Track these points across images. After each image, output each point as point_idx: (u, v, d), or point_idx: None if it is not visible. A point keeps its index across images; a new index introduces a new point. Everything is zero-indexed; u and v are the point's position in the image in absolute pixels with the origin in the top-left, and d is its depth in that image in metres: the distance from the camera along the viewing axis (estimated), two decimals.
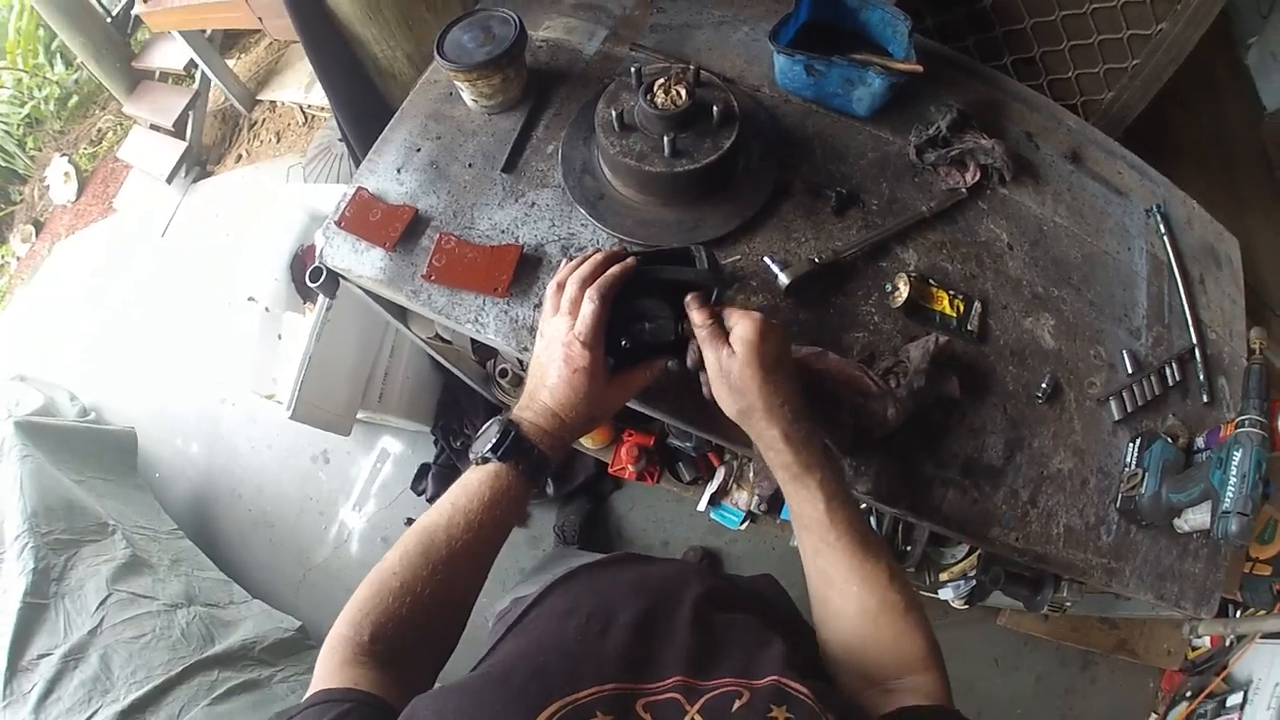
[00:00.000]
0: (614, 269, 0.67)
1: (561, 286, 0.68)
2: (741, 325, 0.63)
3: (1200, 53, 1.18)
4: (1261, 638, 1.65)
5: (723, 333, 0.64)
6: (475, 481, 0.61)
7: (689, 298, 0.66)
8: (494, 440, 0.62)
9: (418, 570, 0.57)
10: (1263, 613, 1.63)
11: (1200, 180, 1.32)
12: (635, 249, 0.79)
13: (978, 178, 0.99)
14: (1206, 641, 1.78)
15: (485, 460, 0.62)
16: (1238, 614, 1.69)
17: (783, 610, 0.82)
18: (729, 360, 0.63)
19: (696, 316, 0.65)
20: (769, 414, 0.63)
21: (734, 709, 0.46)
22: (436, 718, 0.45)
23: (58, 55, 3.42)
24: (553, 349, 0.66)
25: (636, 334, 0.68)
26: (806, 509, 0.63)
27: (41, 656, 1.53)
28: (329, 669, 0.53)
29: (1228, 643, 1.73)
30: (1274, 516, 1.64)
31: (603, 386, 0.66)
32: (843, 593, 0.62)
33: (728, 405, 0.65)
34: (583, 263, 0.69)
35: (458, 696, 0.47)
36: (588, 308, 0.64)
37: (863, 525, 0.63)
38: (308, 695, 0.51)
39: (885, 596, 0.60)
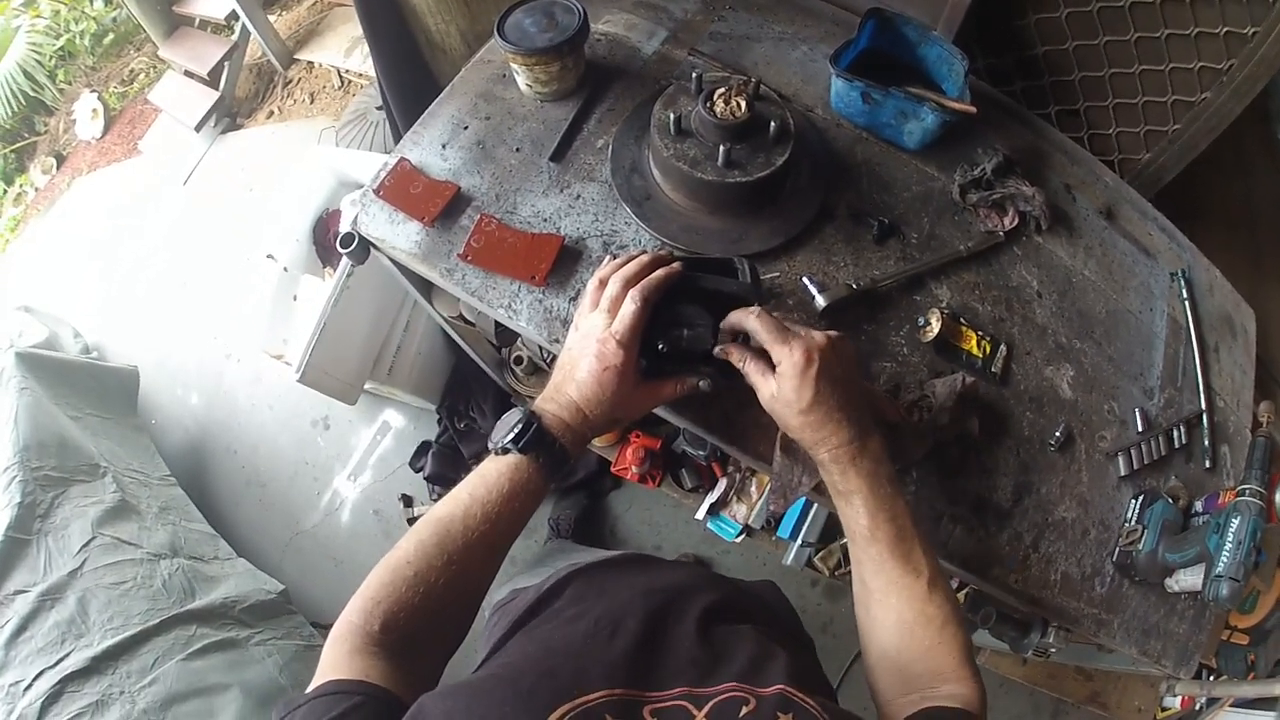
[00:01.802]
0: (659, 273, 0.67)
1: (604, 283, 0.68)
2: (782, 368, 0.64)
3: (1237, 124, 1.20)
4: (1231, 705, 1.67)
5: (766, 366, 0.66)
6: (494, 473, 0.61)
7: (720, 348, 0.67)
8: (515, 431, 0.61)
9: (432, 560, 0.57)
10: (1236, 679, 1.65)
11: (1224, 248, 1.33)
12: (678, 254, 0.79)
13: (1016, 223, 1.00)
14: (1177, 703, 1.80)
15: (505, 451, 0.62)
16: (1210, 679, 1.71)
17: (785, 619, 0.83)
18: (772, 401, 0.65)
19: (735, 360, 0.67)
20: (814, 444, 0.65)
21: (741, 714, 0.47)
22: (445, 717, 0.45)
23: None
24: (586, 344, 0.66)
25: (674, 340, 0.68)
26: (849, 523, 0.66)
27: (18, 593, 1.52)
28: (337, 657, 0.52)
29: (1198, 706, 1.75)
30: (1257, 588, 1.66)
31: (631, 389, 0.66)
32: (881, 603, 0.64)
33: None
34: (628, 262, 0.69)
35: (466, 696, 0.47)
36: (629, 307, 0.64)
37: (907, 542, 0.64)
38: (315, 683, 0.50)
39: (922, 610, 0.62)
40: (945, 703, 0.57)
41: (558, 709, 0.45)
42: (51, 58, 3.39)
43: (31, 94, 3.34)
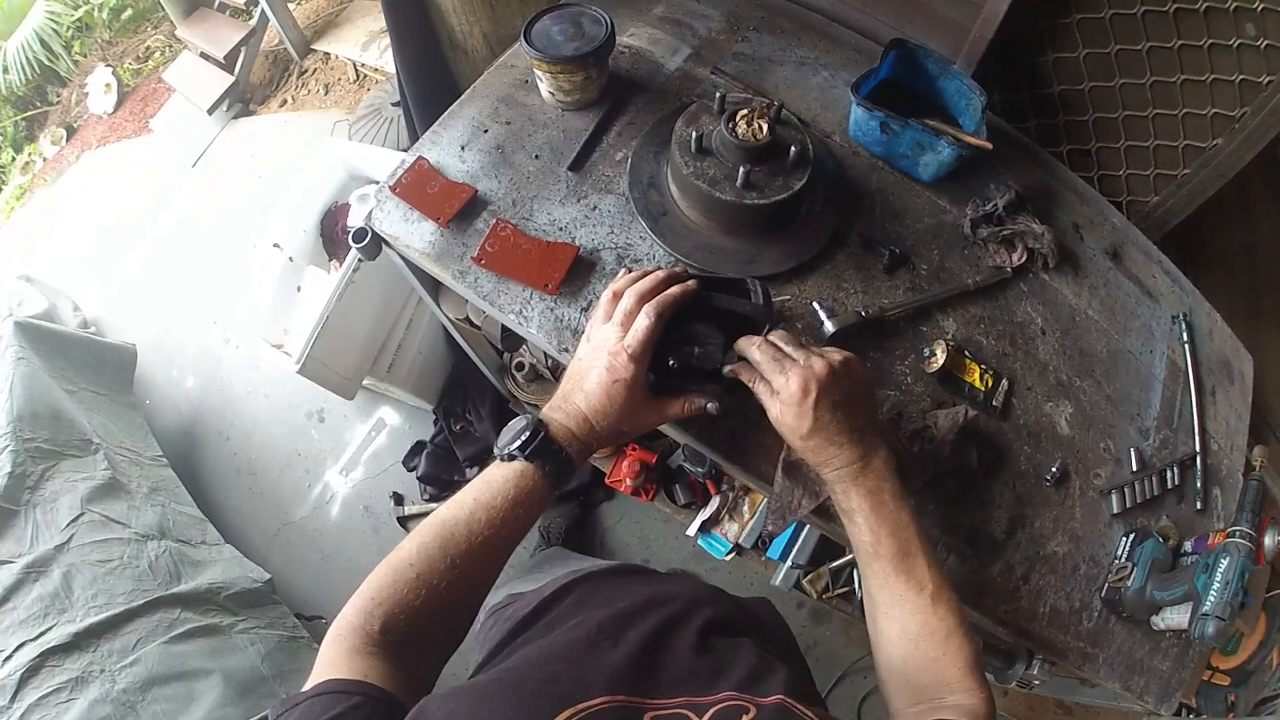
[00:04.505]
0: (674, 290, 0.67)
1: (618, 296, 0.68)
2: (781, 398, 0.65)
3: (1244, 171, 1.21)
4: None
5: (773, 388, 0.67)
6: (500, 479, 0.61)
7: (730, 367, 0.69)
8: (523, 439, 0.62)
9: (435, 563, 0.57)
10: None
11: (1225, 293, 1.35)
12: (692, 272, 0.80)
13: (1024, 260, 1.02)
14: None
15: (511, 457, 0.62)
16: (1191, 717, 1.71)
17: (781, 636, 0.83)
18: (777, 424, 0.67)
19: (745, 379, 0.68)
20: (818, 465, 0.67)
21: None
22: (448, 719, 0.45)
23: None
24: (597, 355, 0.66)
25: (684, 356, 0.68)
26: (853, 539, 0.67)
27: (2, 563, 1.51)
28: (335, 656, 0.52)
29: None
30: (1241, 629, 1.67)
31: (639, 403, 0.66)
32: (886, 615, 0.65)
33: None
34: (643, 276, 0.70)
35: (470, 698, 0.48)
36: (642, 322, 0.65)
37: (910, 557, 0.64)
38: (313, 682, 0.50)
39: (926, 623, 0.63)
40: (950, 714, 0.57)
41: (561, 713, 0.45)
42: (69, 29, 3.37)
43: (46, 63, 3.32)
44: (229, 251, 2.47)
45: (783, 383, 0.64)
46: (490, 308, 0.89)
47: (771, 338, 0.68)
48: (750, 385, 0.68)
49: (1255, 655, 1.68)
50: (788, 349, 0.67)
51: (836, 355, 0.67)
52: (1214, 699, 1.69)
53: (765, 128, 0.83)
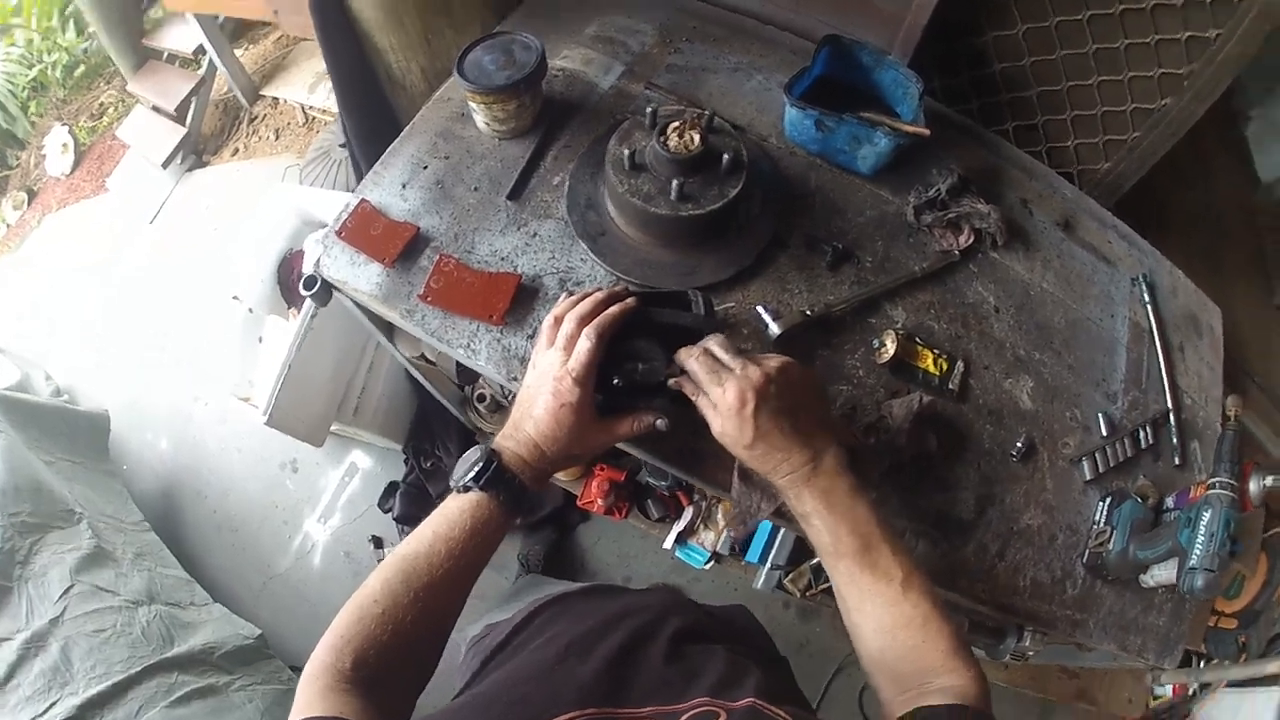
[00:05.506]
0: (613, 309, 0.68)
1: (559, 320, 0.68)
2: (719, 409, 0.64)
3: (1196, 126, 1.21)
4: (1226, 685, 1.67)
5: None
6: (456, 510, 0.62)
7: (673, 380, 0.68)
8: (476, 469, 0.63)
9: (399, 597, 0.57)
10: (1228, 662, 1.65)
11: (1187, 248, 1.35)
12: (633, 289, 0.80)
13: (971, 241, 1.02)
14: (1169, 690, 1.80)
15: (466, 489, 0.63)
16: (1202, 665, 1.71)
17: (758, 640, 0.83)
18: (720, 436, 0.66)
19: (689, 392, 0.68)
20: (767, 473, 0.66)
21: None
22: None
23: (71, 21, 3.34)
24: (543, 381, 0.66)
25: (628, 374, 0.68)
26: (814, 541, 0.67)
27: (2, 640, 1.50)
28: (311, 696, 0.53)
29: (1191, 691, 1.75)
30: (1241, 572, 1.67)
31: (587, 425, 0.67)
32: (859, 610, 0.65)
33: None
34: (583, 299, 0.70)
35: None
36: (583, 345, 0.65)
37: (873, 550, 0.64)
38: None
39: (901, 611, 0.62)
40: (936, 699, 0.57)
41: None
42: (24, 89, 3.33)
43: (4, 126, 3.29)
44: (191, 307, 2.44)
45: (719, 394, 0.64)
46: (439, 344, 0.89)
47: (709, 345, 0.67)
48: (693, 399, 0.67)
49: (1261, 595, 1.69)
50: (725, 357, 0.66)
51: (773, 361, 0.66)
52: (1224, 643, 1.69)
53: (697, 138, 0.83)
